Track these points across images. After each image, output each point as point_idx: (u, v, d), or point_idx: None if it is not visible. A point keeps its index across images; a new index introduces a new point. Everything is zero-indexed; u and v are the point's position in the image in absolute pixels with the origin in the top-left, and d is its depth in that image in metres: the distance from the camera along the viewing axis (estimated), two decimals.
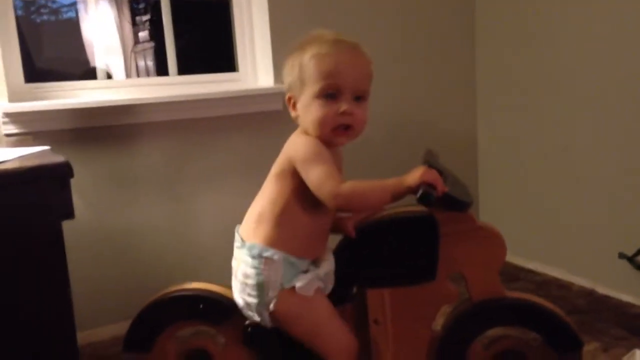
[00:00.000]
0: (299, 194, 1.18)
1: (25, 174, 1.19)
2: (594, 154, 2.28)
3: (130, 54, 4.66)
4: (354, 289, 1.32)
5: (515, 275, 2.51)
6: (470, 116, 2.81)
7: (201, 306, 1.33)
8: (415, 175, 1.13)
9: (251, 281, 1.19)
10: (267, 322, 1.22)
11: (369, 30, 2.46)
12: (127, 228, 2.11)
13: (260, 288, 1.19)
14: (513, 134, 2.65)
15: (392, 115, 2.58)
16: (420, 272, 1.26)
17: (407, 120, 2.62)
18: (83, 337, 1.94)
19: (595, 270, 2.31)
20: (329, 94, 1.16)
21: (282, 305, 1.19)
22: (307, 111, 1.18)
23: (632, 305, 2.15)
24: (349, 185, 1.13)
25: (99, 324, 2.06)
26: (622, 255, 2.16)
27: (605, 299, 2.23)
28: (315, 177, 1.13)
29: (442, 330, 1.31)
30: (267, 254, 1.18)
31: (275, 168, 1.22)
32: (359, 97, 1.18)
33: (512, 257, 2.66)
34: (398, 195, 1.14)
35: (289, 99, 1.23)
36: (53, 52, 4.40)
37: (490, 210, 2.76)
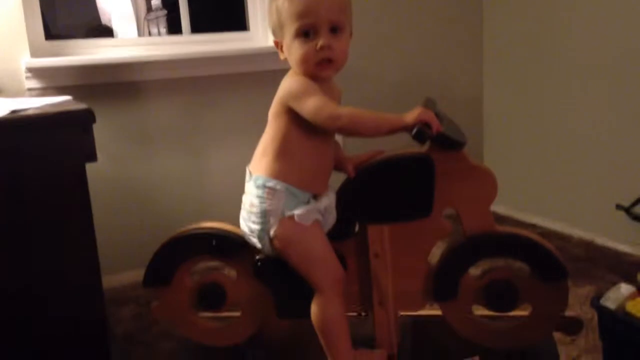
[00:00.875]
0: (295, 129, 1.26)
1: (51, 119, 1.27)
2: (591, 110, 2.34)
3: (143, 21, 4.71)
4: (356, 225, 1.40)
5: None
6: (476, 75, 2.86)
7: (214, 242, 1.43)
8: (412, 114, 1.21)
9: (255, 209, 1.29)
10: (268, 249, 1.31)
11: None
12: (144, 179, 2.22)
13: (264, 215, 1.28)
14: (517, 93, 2.70)
15: (399, 76, 2.64)
16: (417, 209, 1.34)
17: (413, 80, 2.67)
18: (105, 280, 2.04)
19: (594, 222, 2.38)
20: (305, 32, 1.22)
21: (281, 231, 1.27)
22: (290, 52, 1.26)
23: (628, 254, 2.23)
24: (349, 108, 1.22)
25: (120, 270, 2.18)
26: (619, 207, 2.22)
27: (603, 249, 2.31)
28: (312, 106, 1.21)
29: (438, 262, 1.39)
30: (270, 184, 1.27)
31: (272, 108, 1.30)
32: (336, 29, 1.23)
33: (514, 212, 2.74)
34: (394, 129, 1.22)
35: (276, 43, 1.30)
36: (68, 20, 4.46)
37: (494, 166, 2.80)
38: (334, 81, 1.34)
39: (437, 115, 1.27)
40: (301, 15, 1.21)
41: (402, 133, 1.24)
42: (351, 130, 1.24)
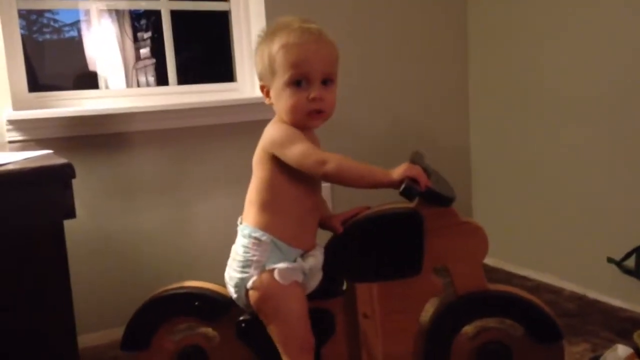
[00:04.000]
0: (278, 177, 1.25)
1: (30, 175, 1.23)
2: (582, 163, 2.34)
3: (131, 70, 4.75)
4: (344, 284, 1.36)
5: (508, 281, 2.55)
6: (463, 125, 2.86)
7: (196, 303, 1.37)
8: (399, 170, 1.20)
9: (239, 257, 1.27)
10: (243, 300, 1.28)
11: (364, 41, 2.54)
12: (126, 234, 2.16)
13: (245, 265, 1.25)
14: (505, 143, 2.71)
15: (384, 124, 2.64)
16: (407, 267, 1.30)
17: (399, 129, 2.67)
18: (82, 340, 1.97)
19: (586, 275, 2.35)
20: (297, 81, 1.22)
21: (258, 284, 1.24)
22: (279, 99, 1.25)
23: (621, 309, 2.19)
24: (336, 156, 1.20)
25: (98, 328, 2.10)
26: (610, 260, 2.20)
27: (595, 303, 2.27)
28: (297, 152, 1.20)
29: (429, 323, 1.34)
30: (256, 234, 1.25)
31: (255, 157, 1.29)
32: (327, 81, 1.25)
33: (504, 264, 2.71)
34: (380, 184, 1.21)
35: (262, 87, 1.30)
36: (55, 70, 4.49)
37: (483, 218, 2.80)
38: (313, 131, 1.33)
39: (426, 170, 1.26)
40: (296, 64, 1.22)
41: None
42: (337, 178, 1.22)
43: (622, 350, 1.37)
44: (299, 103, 1.23)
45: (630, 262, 2.10)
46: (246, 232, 1.27)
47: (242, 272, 1.26)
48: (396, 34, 2.64)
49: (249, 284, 1.25)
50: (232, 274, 1.29)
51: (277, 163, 1.24)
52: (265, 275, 1.24)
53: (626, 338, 1.90)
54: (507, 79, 2.65)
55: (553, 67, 2.42)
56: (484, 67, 2.78)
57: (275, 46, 1.23)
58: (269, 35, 1.26)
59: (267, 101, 1.31)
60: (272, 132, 1.26)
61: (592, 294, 2.32)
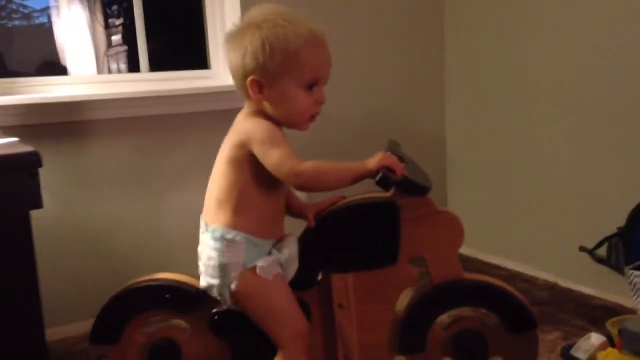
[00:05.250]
0: (255, 178, 1.21)
1: None
2: (555, 154, 2.36)
3: (103, 57, 4.64)
4: (319, 275, 1.34)
5: (482, 270, 2.56)
6: (438, 114, 2.87)
7: (167, 295, 1.34)
8: (374, 159, 1.18)
9: (213, 262, 1.22)
10: (229, 303, 1.24)
11: (340, 30, 2.51)
12: (96, 225, 2.11)
13: (222, 269, 1.21)
14: (481, 133, 2.72)
15: (360, 114, 2.63)
16: (382, 257, 1.29)
17: (375, 119, 2.66)
18: (52, 333, 1.93)
19: (558, 263, 2.38)
20: (312, 84, 1.20)
21: (242, 284, 1.21)
22: (284, 99, 1.18)
23: (592, 297, 2.22)
24: (310, 164, 1.16)
25: (68, 321, 2.06)
26: (582, 249, 2.22)
27: (567, 291, 2.30)
28: (276, 157, 1.16)
29: (404, 312, 1.34)
30: (229, 236, 1.21)
31: (228, 152, 1.21)
32: (325, 84, 1.24)
33: (478, 254, 2.73)
34: (358, 177, 1.18)
35: (255, 81, 1.18)
36: (25, 56, 4.37)
37: (458, 208, 2.79)
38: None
39: (402, 158, 1.25)
40: (318, 68, 1.19)
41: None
42: (313, 187, 1.19)
43: (595, 338, 1.38)
44: (309, 106, 1.20)
45: (602, 251, 2.13)
46: (217, 234, 1.21)
47: (221, 277, 1.22)
48: (372, 23, 2.63)
49: (233, 286, 1.21)
50: (210, 281, 1.23)
51: (253, 162, 1.18)
52: (247, 275, 1.21)
53: (598, 326, 1.93)
54: (483, 69, 2.65)
55: (529, 57, 2.43)
56: (460, 56, 2.78)
57: (296, 42, 1.15)
58: (276, 26, 1.16)
59: (254, 96, 1.19)
60: (254, 129, 1.18)
61: (565, 283, 2.35)
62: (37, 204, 1.23)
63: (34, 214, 1.20)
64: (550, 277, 2.40)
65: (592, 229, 2.18)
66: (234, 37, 1.21)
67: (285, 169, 1.15)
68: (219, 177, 1.24)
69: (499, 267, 2.61)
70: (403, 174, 1.19)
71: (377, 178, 1.15)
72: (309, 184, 1.17)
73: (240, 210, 1.21)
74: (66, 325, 2.06)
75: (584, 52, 2.20)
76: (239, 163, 1.20)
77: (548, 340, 1.87)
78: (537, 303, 2.17)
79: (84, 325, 1.96)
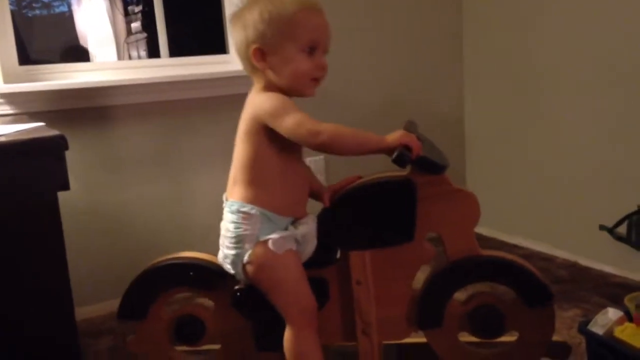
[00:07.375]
0: (270, 152, 1.24)
1: (22, 147, 1.23)
2: (574, 132, 2.34)
3: (123, 45, 4.69)
4: (338, 252, 1.37)
5: (500, 249, 2.56)
6: (457, 94, 2.86)
7: (191, 273, 1.39)
8: (394, 136, 1.20)
9: (230, 234, 1.26)
10: (241, 275, 1.28)
11: (358, 11, 2.52)
12: (120, 207, 2.16)
13: (238, 240, 1.25)
14: (499, 112, 2.71)
15: (378, 98, 2.63)
16: (399, 234, 1.31)
17: (393, 99, 2.66)
18: (79, 313, 1.98)
19: (578, 242, 2.37)
20: (312, 47, 1.22)
21: (254, 257, 1.24)
22: (286, 63, 1.22)
23: (613, 275, 2.22)
24: (331, 125, 1.19)
25: (95, 300, 2.11)
26: (602, 227, 2.21)
27: (587, 270, 2.30)
28: (292, 122, 1.18)
29: (421, 289, 1.36)
30: (244, 209, 1.25)
31: (242, 128, 1.26)
32: (326, 51, 1.26)
33: (497, 233, 2.73)
34: (375, 149, 1.21)
35: (258, 50, 1.22)
36: (46, 45, 4.43)
37: (476, 188, 2.81)
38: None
39: (419, 138, 1.26)
40: (316, 30, 1.22)
41: (382, 156, 1.22)
42: (331, 148, 1.20)
43: (613, 313, 1.38)
44: (310, 68, 1.22)
45: (622, 229, 2.13)
46: (234, 207, 1.26)
47: (236, 247, 1.25)
48: (393, 6, 2.62)
49: (245, 258, 1.25)
50: (226, 252, 1.28)
51: (266, 135, 1.22)
52: (259, 247, 1.24)
53: (617, 303, 1.91)
54: (501, 48, 2.64)
55: (548, 36, 2.41)
56: (478, 37, 2.76)
57: (291, 7, 1.20)
58: None
59: (259, 65, 1.23)
60: (263, 101, 1.22)
61: (584, 261, 2.34)
62: (65, 185, 1.27)
63: (61, 196, 1.24)
64: (570, 256, 2.40)
65: (611, 207, 2.18)
66: (235, 18, 1.26)
67: (303, 129, 1.17)
68: (236, 154, 1.28)
69: (517, 247, 2.61)
70: (419, 152, 1.21)
71: (394, 156, 1.17)
72: (327, 144, 1.18)
73: (257, 184, 1.25)
74: (92, 305, 2.11)
75: (606, 30, 2.18)
76: (252, 137, 1.24)
77: (567, 317, 1.88)
78: (557, 282, 2.17)
79: (111, 305, 2.02)
